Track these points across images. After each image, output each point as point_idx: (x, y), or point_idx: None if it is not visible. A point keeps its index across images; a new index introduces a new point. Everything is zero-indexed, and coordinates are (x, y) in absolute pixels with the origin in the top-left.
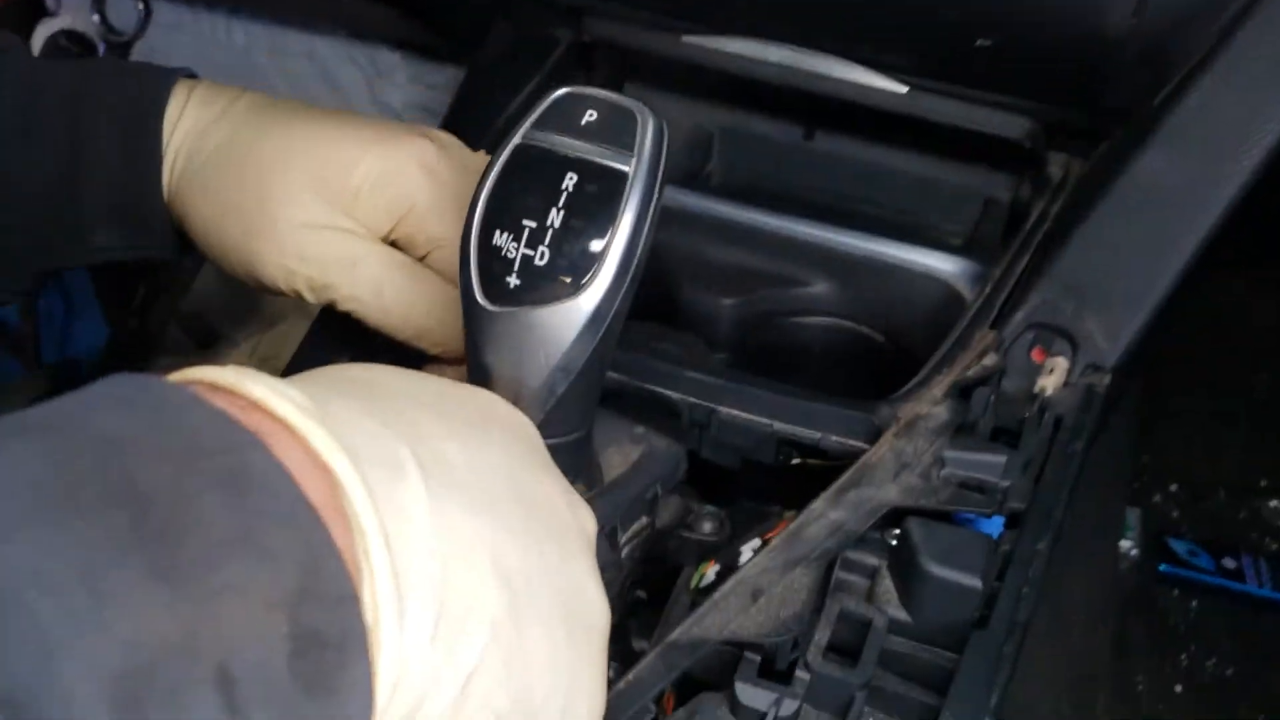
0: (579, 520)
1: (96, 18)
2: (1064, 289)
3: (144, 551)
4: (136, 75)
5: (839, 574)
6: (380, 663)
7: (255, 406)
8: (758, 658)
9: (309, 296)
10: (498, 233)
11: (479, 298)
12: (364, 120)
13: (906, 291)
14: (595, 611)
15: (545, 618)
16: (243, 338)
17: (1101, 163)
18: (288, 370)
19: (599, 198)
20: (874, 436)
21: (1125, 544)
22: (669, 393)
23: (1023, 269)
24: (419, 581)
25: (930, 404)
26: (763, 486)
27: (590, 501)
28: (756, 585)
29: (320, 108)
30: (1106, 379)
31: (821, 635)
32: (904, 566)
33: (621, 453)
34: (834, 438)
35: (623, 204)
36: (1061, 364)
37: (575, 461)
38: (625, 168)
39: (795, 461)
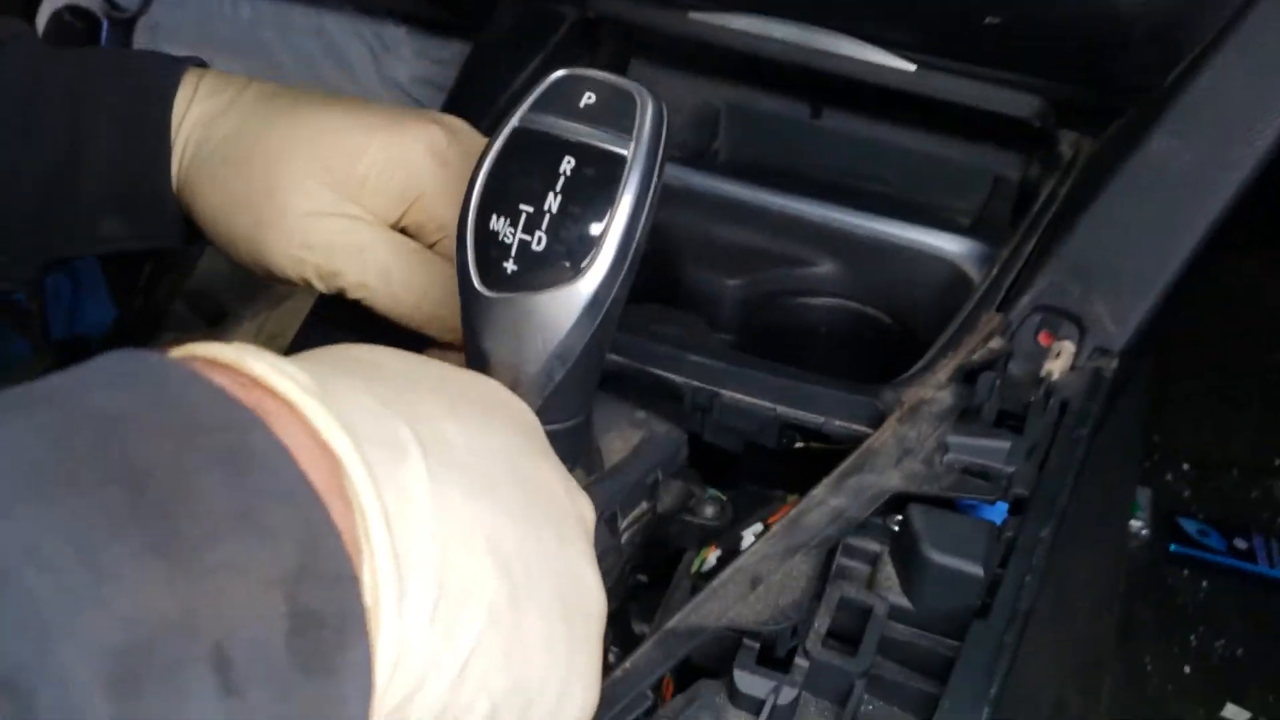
0: (577, 508)
1: None
2: (1072, 271)
3: (141, 529)
4: (144, 65)
5: (840, 560)
6: (380, 644)
7: (256, 384)
8: (756, 645)
9: (318, 285)
10: (494, 217)
11: (476, 283)
12: (373, 107)
13: (913, 272)
14: (592, 599)
15: (542, 603)
16: (250, 315)
17: (1112, 142)
18: (289, 353)
19: (597, 182)
20: (877, 421)
21: (1135, 524)
22: (671, 376)
23: (1031, 250)
24: (419, 563)
25: (934, 388)
26: (766, 470)
27: (590, 487)
28: (755, 573)
29: (329, 94)
30: (1114, 363)
31: (821, 622)
32: (905, 553)
33: (622, 437)
34: (837, 422)
35: (621, 188)
36: (1068, 348)
37: (574, 447)
38: (624, 151)
39: (798, 445)
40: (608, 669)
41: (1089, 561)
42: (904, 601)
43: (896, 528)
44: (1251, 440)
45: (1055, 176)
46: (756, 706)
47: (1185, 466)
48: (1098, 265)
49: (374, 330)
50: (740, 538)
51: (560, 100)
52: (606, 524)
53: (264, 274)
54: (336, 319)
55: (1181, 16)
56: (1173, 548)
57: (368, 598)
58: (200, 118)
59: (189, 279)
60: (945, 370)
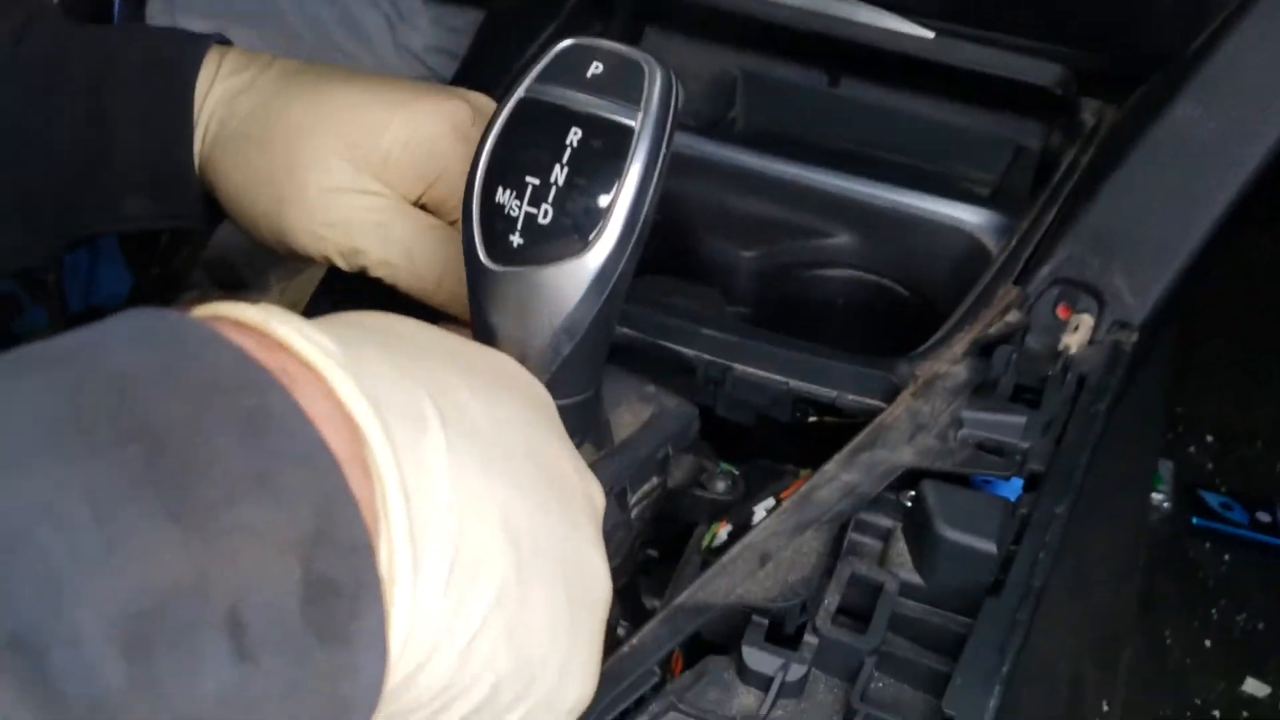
0: (588, 490)
1: None
2: (1091, 243)
3: (157, 490)
4: (167, 43)
5: (852, 536)
6: (394, 614)
7: (280, 347)
8: (765, 622)
9: (340, 263)
10: (500, 190)
11: (482, 257)
12: (396, 83)
13: (930, 244)
14: (597, 585)
15: (548, 584)
16: (268, 284)
17: (1134, 111)
18: None
19: (604, 153)
20: (892, 395)
21: (1157, 496)
22: (684, 349)
23: (1050, 222)
24: (435, 535)
25: (950, 362)
26: (778, 445)
27: (599, 462)
28: (765, 549)
29: (352, 71)
30: (1134, 336)
31: (831, 599)
32: (918, 530)
33: (632, 412)
34: (851, 396)
35: (629, 160)
36: (1087, 321)
37: (583, 422)
38: (631, 122)
39: (811, 420)
40: (616, 644)
41: (1107, 535)
42: (916, 578)
43: (909, 503)
44: (1275, 413)
45: (1077, 146)
46: (765, 683)
47: (1208, 439)
48: (1118, 237)
49: (384, 304)
50: (751, 513)
51: (567, 70)
52: (616, 499)
53: (286, 252)
54: (348, 291)
55: None
56: (1195, 520)
57: (383, 567)
58: (223, 96)
59: (206, 248)
60: (961, 344)
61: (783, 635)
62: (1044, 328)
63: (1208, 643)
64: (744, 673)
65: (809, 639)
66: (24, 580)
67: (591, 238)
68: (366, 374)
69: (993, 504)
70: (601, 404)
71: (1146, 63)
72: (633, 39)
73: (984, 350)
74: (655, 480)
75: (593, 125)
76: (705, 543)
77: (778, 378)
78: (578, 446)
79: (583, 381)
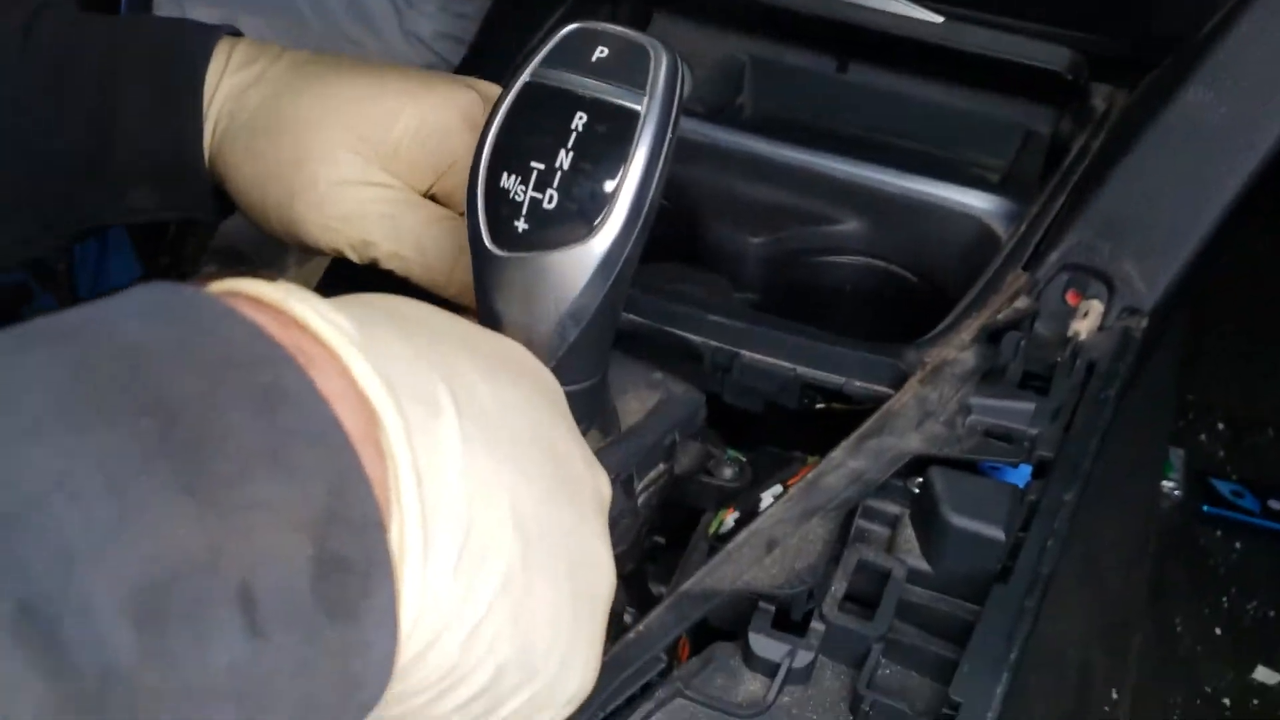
0: (595, 482)
1: None
2: (1101, 229)
3: (171, 463)
4: (176, 36)
5: (859, 523)
6: (404, 594)
7: (297, 325)
8: (772, 608)
9: (352, 255)
10: (505, 175)
11: (487, 242)
12: (405, 73)
13: (940, 230)
14: (601, 576)
15: (553, 573)
16: (276, 272)
17: (1145, 95)
18: None
19: (609, 138)
20: (900, 381)
21: (1168, 484)
22: (691, 336)
23: (1060, 207)
24: (446, 518)
25: (958, 349)
26: (786, 432)
27: (606, 449)
28: (771, 536)
29: (361, 61)
30: (1144, 323)
31: (838, 586)
32: (925, 516)
33: (639, 398)
34: (858, 383)
35: (634, 144)
36: (1096, 307)
37: (590, 408)
38: (637, 106)
39: (819, 406)
40: (623, 630)
41: (1117, 522)
42: (923, 565)
43: (917, 490)
44: None
45: (1087, 131)
46: (772, 670)
47: (1219, 426)
48: (1128, 222)
49: (391, 291)
50: (759, 499)
51: (572, 54)
52: (623, 485)
53: (298, 245)
54: (354, 278)
55: None
56: (1205, 508)
57: (394, 546)
58: (232, 90)
59: (214, 237)
60: (969, 330)
61: (789, 622)
62: (1053, 314)
63: (1218, 631)
64: (751, 659)
65: (816, 626)
66: (37, 549)
67: (597, 223)
68: (382, 355)
69: (1001, 490)
70: (608, 390)
71: (1157, 47)
72: (640, 24)
73: (992, 336)
74: (662, 467)
75: (598, 110)
76: (712, 529)
77: (785, 364)
78: (584, 433)
79: (589, 368)
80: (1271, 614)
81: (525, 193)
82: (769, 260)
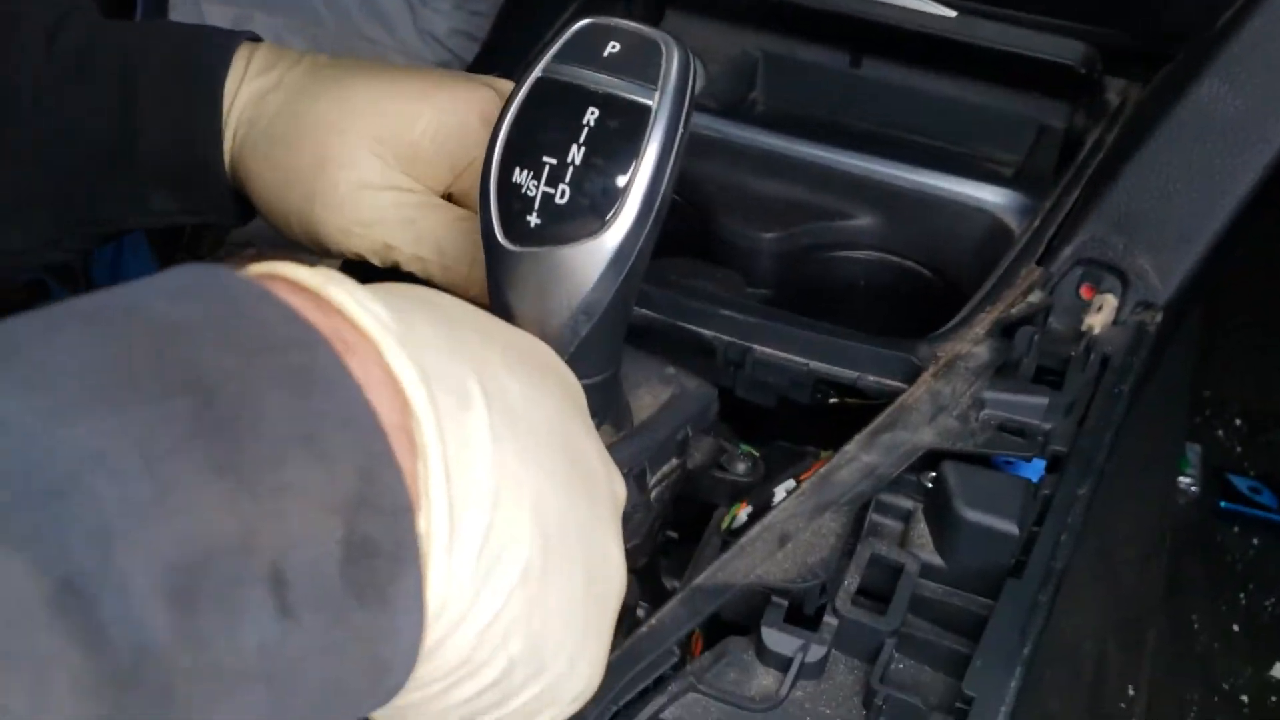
0: (612, 485)
1: None
2: (1115, 223)
3: (206, 444)
4: (196, 43)
5: (872, 517)
6: (430, 582)
7: (336, 311)
8: (785, 603)
9: (374, 260)
10: (518, 170)
11: (499, 237)
12: (422, 73)
13: (953, 225)
14: (614, 577)
15: (568, 572)
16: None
17: (1159, 89)
18: None
19: (621, 133)
20: (913, 376)
21: (1185, 480)
22: (704, 331)
23: (1074, 201)
24: (472, 511)
25: (971, 343)
26: (799, 426)
27: (619, 443)
28: (784, 530)
29: (379, 63)
30: (1158, 317)
31: (851, 580)
32: (939, 511)
33: (652, 393)
34: (871, 377)
35: (646, 139)
36: (1110, 301)
37: (603, 403)
38: (649, 101)
39: (832, 401)
40: (636, 624)
41: (1132, 517)
42: (936, 559)
43: (930, 485)
44: None
45: (1101, 125)
46: (784, 664)
47: (1236, 422)
48: (1142, 216)
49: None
50: (772, 494)
51: (584, 50)
52: (635, 480)
53: (319, 250)
54: (366, 277)
55: None
56: (1223, 504)
57: (422, 534)
58: (251, 96)
59: (231, 233)
60: (983, 325)
61: (802, 616)
62: (1067, 308)
63: (1235, 627)
64: (763, 653)
65: (829, 620)
66: (77, 526)
67: (609, 217)
68: (417, 345)
69: (1014, 485)
70: (621, 385)
71: (1172, 41)
72: (653, 21)
73: (1006, 331)
74: (675, 461)
75: (610, 105)
76: (725, 524)
77: (798, 359)
78: (597, 427)
79: (602, 362)
80: None
81: (537, 188)
82: (782, 255)
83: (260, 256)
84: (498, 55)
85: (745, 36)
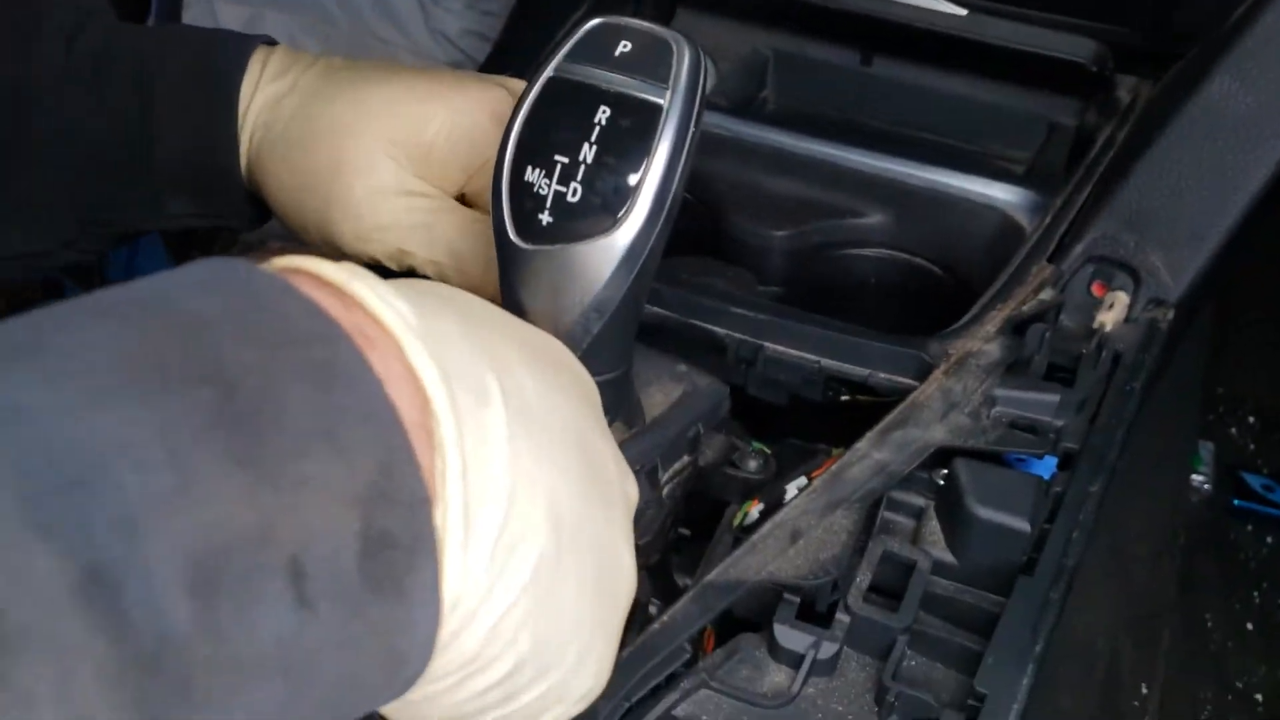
0: (625, 487)
1: None
2: (1126, 220)
3: (228, 435)
4: (211, 48)
5: (884, 514)
6: (446, 573)
7: (359, 306)
8: (797, 600)
9: (389, 264)
10: (529, 169)
11: (511, 235)
12: (435, 75)
13: (965, 222)
14: (624, 579)
15: (579, 572)
16: None
17: (1170, 86)
18: None
19: (633, 132)
20: (924, 373)
21: (1198, 478)
22: (715, 328)
23: (1085, 199)
24: (488, 508)
25: (982, 340)
26: (810, 423)
27: (630, 440)
28: (795, 527)
29: (392, 65)
30: (1170, 314)
31: (863, 577)
32: (950, 508)
33: (663, 390)
34: (883, 375)
35: (657, 138)
36: (1122, 299)
37: (614, 400)
38: (660, 100)
39: (844, 398)
40: (648, 620)
41: (1144, 515)
42: (948, 556)
43: (941, 482)
44: None
45: (1113, 123)
46: (797, 661)
47: (1250, 420)
48: (1153, 214)
49: None
50: (783, 491)
51: (595, 49)
52: (647, 477)
53: (336, 256)
54: (383, 274)
55: None
56: (1236, 502)
57: (438, 528)
58: (267, 101)
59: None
60: (994, 322)
61: (814, 613)
62: (1078, 305)
63: (1249, 626)
64: (775, 650)
65: (840, 617)
66: (102, 515)
67: (620, 215)
68: (438, 342)
69: (1026, 482)
70: (632, 383)
71: (1183, 38)
72: (664, 19)
73: (1017, 328)
74: (686, 458)
75: (621, 103)
76: (737, 521)
77: (809, 356)
78: (609, 424)
79: (613, 359)
80: None
81: (549, 186)
82: (793, 253)
83: (284, 251)
84: (509, 55)
85: (756, 35)
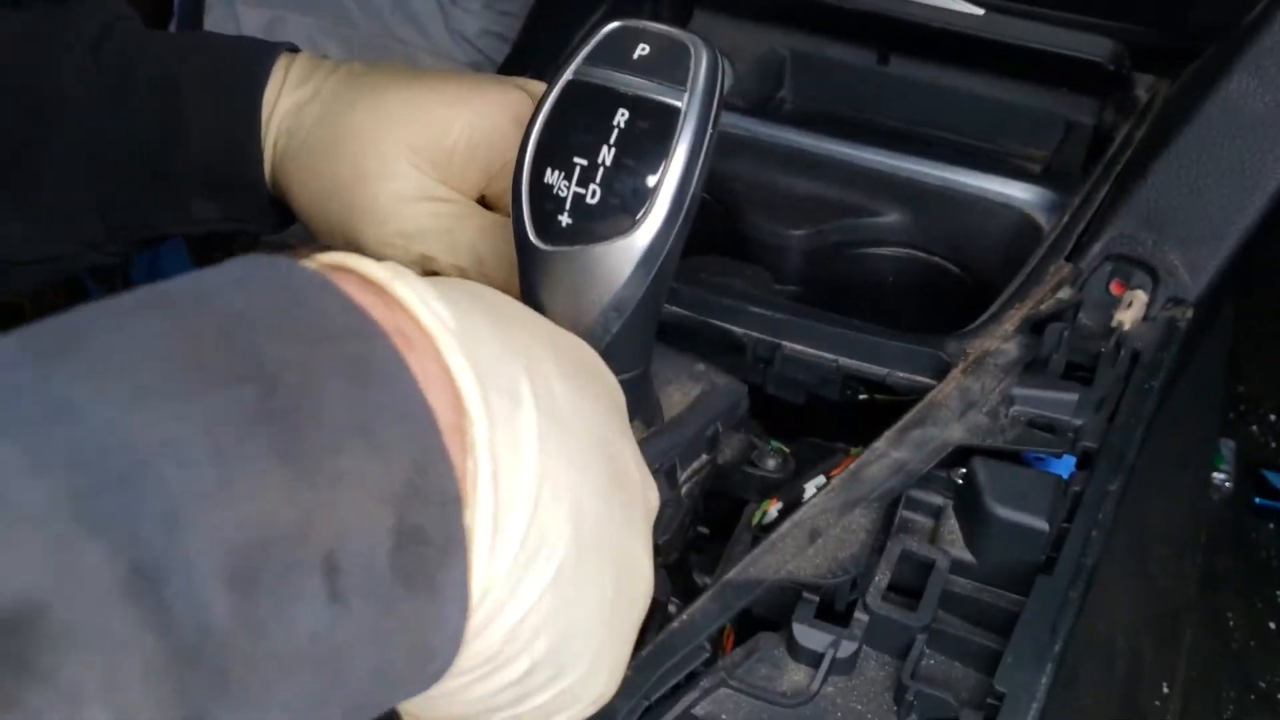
0: (647, 494)
1: None
2: (1144, 219)
3: (269, 432)
4: (235, 55)
5: (902, 513)
6: (474, 571)
7: (399, 305)
8: (816, 598)
9: (412, 269)
10: (549, 171)
11: (531, 237)
12: (456, 79)
13: (982, 221)
14: (642, 584)
15: (599, 576)
16: None
17: (1188, 85)
18: None
19: (651, 134)
20: (942, 372)
21: (1219, 476)
22: (733, 328)
23: (1103, 197)
24: (515, 510)
25: (1000, 339)
26: (829, 422)
27: (649, 439)
28: (814, 526)
29: (412, 70)
30: (1189, 312)
31: (882, 577)
32: (968, 507)
33: (682, 390)
34: (901, 374)
35: (675, 140)
36: (1140, 297)
37: (633, 399)
38: (678, 103)
39: (862, 397)
40: (667, 619)
41: (1165, 514)
42: (967, 556)
43: (960, 481)
44: None
45: (1130, 121)
46: (816, 660)
47: (1271, 418)
48: (1171, 212)
49: None
50: (802, 490)
51: (614, 52)
52: (665, 475)
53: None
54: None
55: None
56: (1257, 500)
57: (468, 526)
58: (290, 107)
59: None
60: (1012, 321)
61: (833, 612)
62: (1096, 304)
63: (1271, 625)
64: (795, 649)
65: (859, 616)
66: (148, 511)
67: (639, 217)
68: (474, 343)
69: (1044, 481)
70: (651, 382)
71: (1200, 37)
72: (682, 21)
73: (1035, 327)
74: (705, 458)
75: (639, 106)
76: (756, 520)
77: (827, 355)
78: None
79: (633, 359)
80: None
81: (569, 188)
82: (810, 253)
83: (323, 248)
84: (528, 56)
85: (773, 35)
